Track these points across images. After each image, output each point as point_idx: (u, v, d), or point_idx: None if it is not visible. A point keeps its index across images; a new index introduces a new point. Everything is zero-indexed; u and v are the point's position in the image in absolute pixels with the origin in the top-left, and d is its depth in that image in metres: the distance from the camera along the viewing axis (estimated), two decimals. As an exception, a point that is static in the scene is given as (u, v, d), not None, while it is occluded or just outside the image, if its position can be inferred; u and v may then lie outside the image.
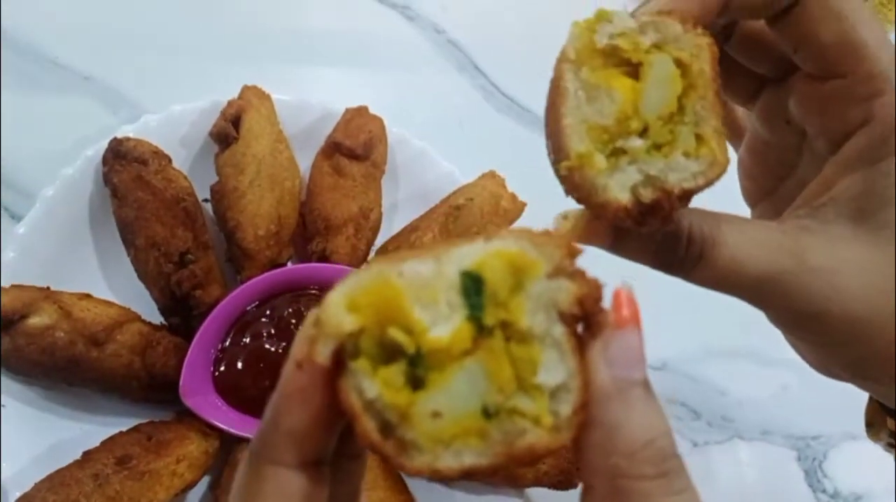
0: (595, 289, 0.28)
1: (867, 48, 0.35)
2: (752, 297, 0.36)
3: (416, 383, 0.26)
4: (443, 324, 0.26)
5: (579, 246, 0.28)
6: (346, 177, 0.76)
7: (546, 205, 0.76)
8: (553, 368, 0.27)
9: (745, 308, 0.92)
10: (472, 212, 0.77)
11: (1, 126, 0.77)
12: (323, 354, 0.27)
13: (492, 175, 0.80)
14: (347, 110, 0.80)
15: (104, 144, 0.71)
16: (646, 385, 0.28)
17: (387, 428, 0.26)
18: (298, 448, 0.29)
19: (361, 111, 0.80)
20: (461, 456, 0.26)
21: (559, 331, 0.27)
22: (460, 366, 0.26)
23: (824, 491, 0.86)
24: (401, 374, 0.26)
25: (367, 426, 0.26)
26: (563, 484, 0.70)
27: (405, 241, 0.76)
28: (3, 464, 0.61)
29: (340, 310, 0.27)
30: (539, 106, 1.04)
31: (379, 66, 0.95)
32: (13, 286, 0.64)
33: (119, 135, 0.71)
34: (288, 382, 0.29)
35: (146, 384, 0.64)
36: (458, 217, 0.76)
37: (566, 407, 0.26)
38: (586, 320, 0.28)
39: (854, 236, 0.35)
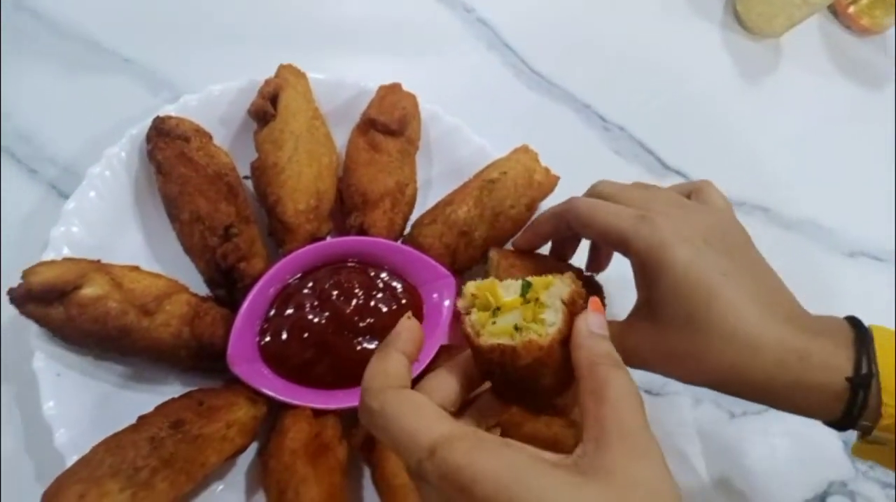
0: (578, 293, 0.52)
1: (608, 228, 0.62)
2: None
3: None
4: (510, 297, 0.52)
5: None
6: (382, 152, 0.78)
7: (577, 178, 0.78)
8: (550, 315, 0.50)
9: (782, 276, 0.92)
10: (506, 185, 0.78)
11: (45, 106, 0.79)
12: (463, 307, 0.52)
13: (525, 149, 0.81)
14: (381, 87, 0.81)
15: (147, 123, 0.73)
16: (606, 338, 0.49)
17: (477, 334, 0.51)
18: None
19: (395, 88, 0.81)
20: (497, 339, 0.50)
21: (558, 304, 0.50)
22: (511, 311, 0.51)
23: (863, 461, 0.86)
24: (488, 315, 0.51)
25: (468, 330, 0.51)
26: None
27: (440, 215, 0.77)
28: (59, 431, 0.63)
29: (469, 290, 0.53)
30: (568, 81, 1.06)
31: (410, 46, 0.96)
32: (65, 259, 0.66)
33: (161, 114, 0.73)
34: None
35: (195, 353, 0.66)
36: (492, 191, 0.77)
37: (550, 331, 0.49)
38: (573, 307, 0.51)
39: (649, 326, 0.60)
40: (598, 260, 0.76)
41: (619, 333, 0.58)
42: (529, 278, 0.52)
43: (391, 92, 0.80)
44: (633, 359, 0.56)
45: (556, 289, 0.51)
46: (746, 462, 0.84)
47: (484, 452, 0.41)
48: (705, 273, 0.57)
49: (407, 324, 0.50)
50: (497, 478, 0.40)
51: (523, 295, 0.51)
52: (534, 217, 0.80)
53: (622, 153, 0.97)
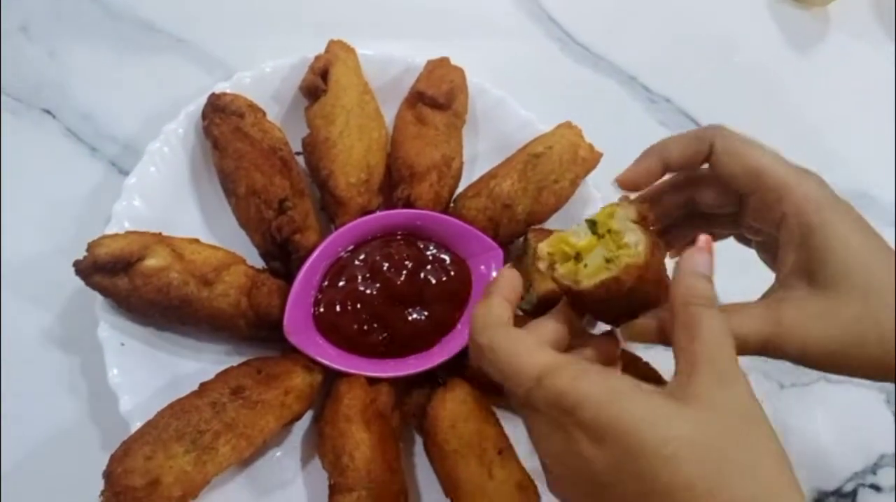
0: (643, 209, 0.53)
1: (764, 168, 0.54)
2: (760, 354, 0.52)
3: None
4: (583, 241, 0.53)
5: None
6: (429, 126, 0.78)
7: (622, 151, 0.78)
8: (631, 237, 0.51)
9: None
10: (551, 160, 0.78)
11: (104, 86, 0.82)
12: (545, 267, 0.54)
13: (568, 125, 0.81)
14: (429, 61, 0.82)
15: (202, 100, 0.75)
16: (708, 278, 0.49)
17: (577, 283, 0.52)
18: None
19: (443, 62, 0.82)
20: (598, 277, 0.51)
21: (632, 226, 0.52)
22: (593, 251, 0.53)
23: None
24: (573, 263, 0.53)
25: (567, 283, 0.53)
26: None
27: (484, 188, 0.78)
28: (124, 398, 0.65)
29: (545, 249, 0.54)
30: (613, 54, 1.06)
31: (455, 22, 0.97)
32: (129, 231, 0.68)
33: (216, 91, 0.75)
34: None
35: (252, 322, 0.68)
36: (536, 165, 0.78)
37: (640, 249, 0.50)
38: (645, 223, 0.52)
39: (809, 295, 0.52)
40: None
41: (776, 312, 0.52)
42: (590, 217, 0.54)
43: (439, 66, 0.81)
44: (797, 345, 0.51)
45: (622, 214, 0.53)
46: (796, 433, 0.84)
47: (587, 379, 0.44)
48: (865, 229, 0.52)
49: (507, 272, 0.54)
50: (599, 402, 0.43)
51: (594, 233, 0.54)
52: (577, 192, 0.80)
53: (668, 125, 0.96)
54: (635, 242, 0.52)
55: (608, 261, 0.53)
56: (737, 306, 0.53)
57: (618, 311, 0.54)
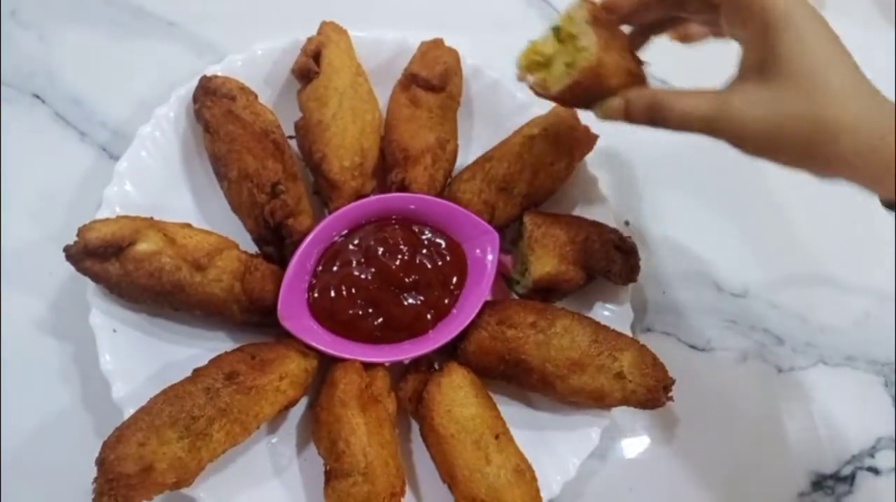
0: (595, 8, 0.62)
1: None
2: (704, 133, 0.58)
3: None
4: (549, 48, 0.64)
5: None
6: (423, 108, 0.77)
7: (618, 133, 0.77)
8: (584, 40, 0.61)
9: (824, 235, 0.92)
10: (547, 141, 0.77)
11: (94, 71, 0.81)
12: (520, 76, 0.66)
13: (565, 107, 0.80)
14: (423, 43, 0.81)
15: (193, 84, 0.74)
16: None
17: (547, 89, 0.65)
18: None
19: (437, 43, 0.81)
20: (562, 82, 0.63)
21: (586, 27, 0.61)
22: (559, 57, 0.64)
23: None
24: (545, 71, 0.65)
25: (539, 90, 0.65)
26: (650, 402, 0.71)
27: (479, 171, 0.77)
28: (116, 384, 0.65)
29: (520, 63, 0.66)
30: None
31: (452, 5, 0.95)
32: (120, 216, 0.68)
33: (207, 73, 0.74)
34: None
35: (246, 307, 0.67)
36: (532, 147, 0.77)
37: (592, 50, 0.61)
38: (600, 21, 0.62)
39: (757, 85, 0.56)
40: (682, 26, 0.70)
41: (723, 96, 0.57)
42: (554, 24, 0.64)
43: (433, 47, 0.80)
44: (736, 125, 0.56)
45: (578, 16, 0.62)
46: (794, 417, 0.84)
47: None
48: (826, 34, 0.56)
49: None
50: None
51: (559, 39, 0.64)
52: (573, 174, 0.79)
53: (665, 108, 0.95)
54: (588, 44, 0.61)
55: (568, 65, 0.63)
56: (689, 90, 0.60)
57: (595, 101, 0.64)
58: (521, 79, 0.66)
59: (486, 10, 0.96)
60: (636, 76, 0.64)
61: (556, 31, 0.64)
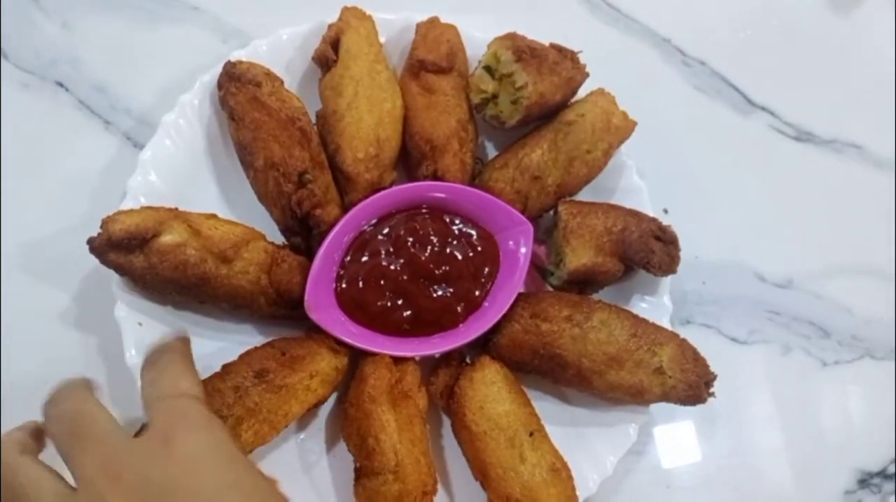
0: (518, 45, 0.70)
1: None
2: None
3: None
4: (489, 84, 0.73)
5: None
6: (437, 93, 0.75)
7: (656, 117, 0.74)
8: (519, 79, 0.69)
9: (868, 224, 0.89)
10: (584, 128, 0.74)
11: (117, 58, 0.80)
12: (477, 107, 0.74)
13: (601, 92, 0.77)
14: (419, 25, 0.78)
15: (218, 70, 0.72)
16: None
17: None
18: None
19: (434, 23, 0.78)
20: (515, 117, 0.72)
21: (516, 67, 0.70)
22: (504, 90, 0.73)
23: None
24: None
25: (497, 124, 0.74)
26: (690, 398, 0.68)
27: (512, 159, 0.74)
28: (143, 379, 0.63)
29: (475, 99, 0.75)
30: (646, 15, 1.02)
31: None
32: (144, 207, 0.66)
33: (231, 59, 0.72)
34: None
35: (273, 300, 0.66)
36: (568, 133, 0.74)
37: (529, 89, 0.69)
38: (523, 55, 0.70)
39: None
40: None
41: None
42: (484, 63, 0.74)
43: (431, 27, 0.77)
44: None
45: (504, 57, 0.71)
46: (839, 412, 0.81)
47: None
48: None
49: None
50: None
51: (496, 78, 0.73)
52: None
53: (704, 89, 0.92)
54: (524, 82, 0.70)
55: (514, 102, 0.72)
56: None
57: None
58: (478, 112, 0.75)
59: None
60: (574, 80, 0.74)
61: (489, 70, 0.73)
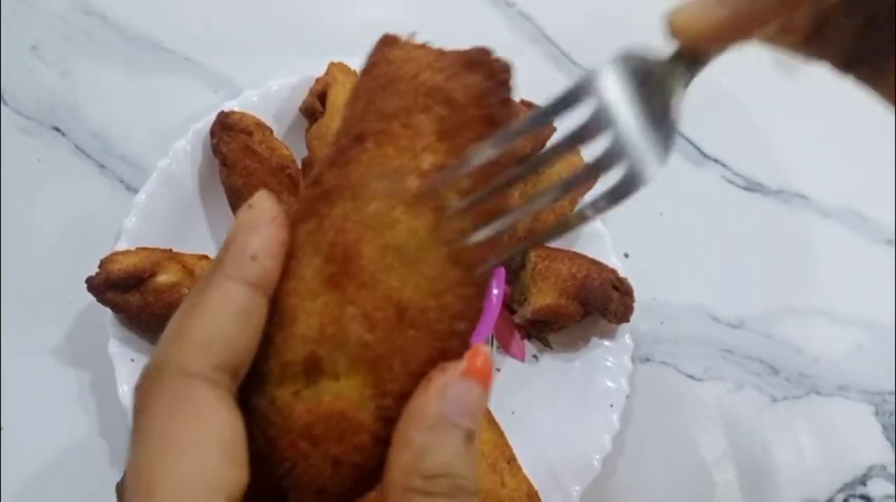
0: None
1: None
2: None
3: None
4: None
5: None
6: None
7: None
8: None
9: (814, 269, 0.94)
10: (551, 178, 0.80)
11: (114, 106, 0.84)
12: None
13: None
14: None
15: (210, 118, 0.76)
16: (469, 435, 0.29)
17: None
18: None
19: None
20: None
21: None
22: None
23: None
24: None
25: None
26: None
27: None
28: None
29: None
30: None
31: (453, 42, 0.98)
32: (140, 248, 0.70)
33: (224, 109, 0.77)
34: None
35: (261, 337, 0.69)
36: (537, 183, 0.79)
37: None
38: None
39: None
40: None
41: None
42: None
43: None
44: None
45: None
46: (787, 446, 0.86)
47: None
48: None
49: None
50: None
51: None
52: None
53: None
54: None
55: None
56: None
57: None
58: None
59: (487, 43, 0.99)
60: (543, 135, 0.75)
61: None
